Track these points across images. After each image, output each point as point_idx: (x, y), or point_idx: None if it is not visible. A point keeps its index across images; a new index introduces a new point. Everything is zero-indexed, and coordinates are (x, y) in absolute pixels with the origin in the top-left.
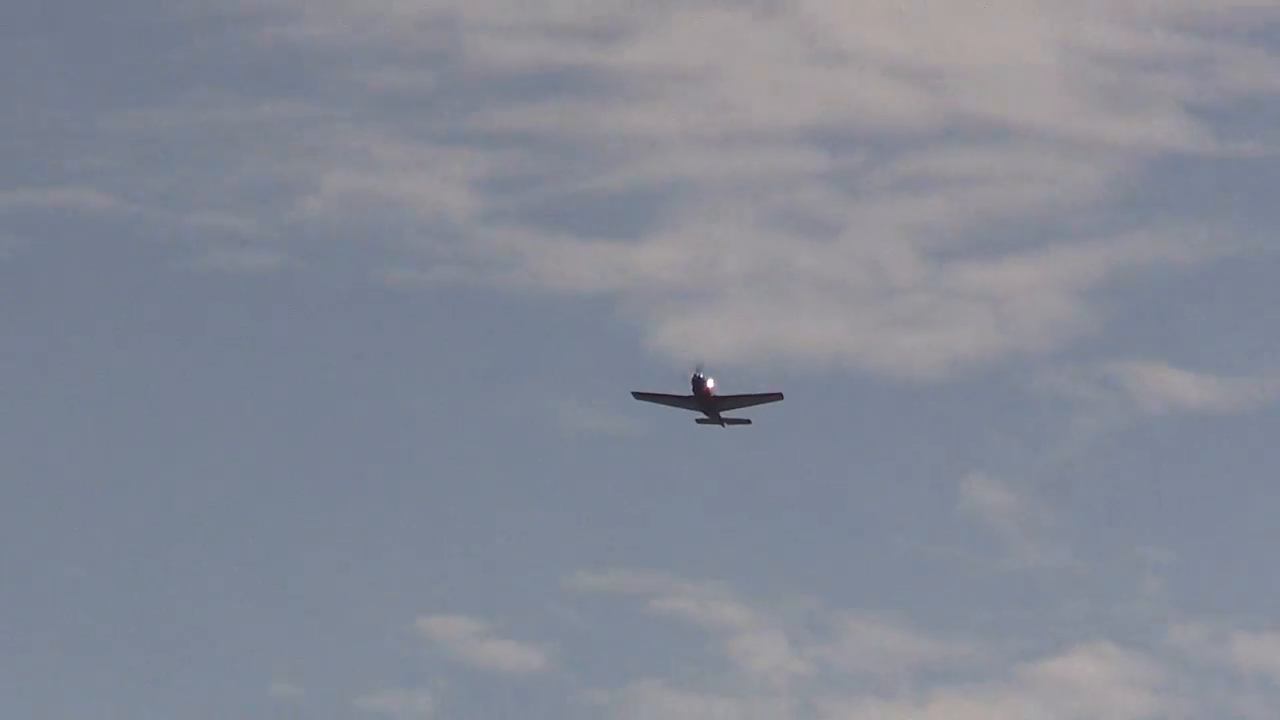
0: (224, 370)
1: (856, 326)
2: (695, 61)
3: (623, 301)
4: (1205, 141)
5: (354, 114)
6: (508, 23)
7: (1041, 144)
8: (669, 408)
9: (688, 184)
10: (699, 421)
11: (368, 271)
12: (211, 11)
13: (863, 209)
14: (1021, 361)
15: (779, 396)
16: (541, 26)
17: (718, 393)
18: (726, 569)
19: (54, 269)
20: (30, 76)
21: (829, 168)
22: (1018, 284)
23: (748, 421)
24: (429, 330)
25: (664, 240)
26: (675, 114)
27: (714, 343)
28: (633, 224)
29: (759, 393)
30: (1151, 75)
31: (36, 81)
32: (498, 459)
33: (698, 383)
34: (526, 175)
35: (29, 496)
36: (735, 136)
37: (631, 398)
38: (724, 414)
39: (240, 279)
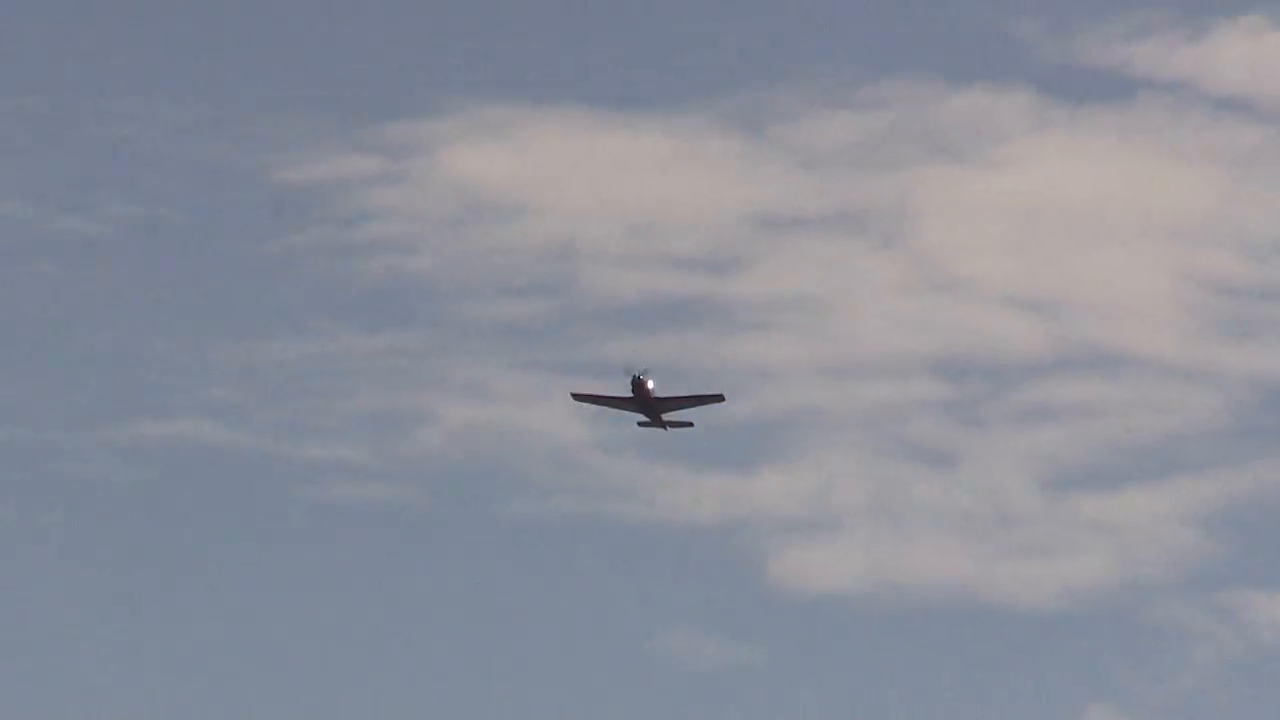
0: (344, 602)
1: (976, 556)
2: (812, 291)
3: (741, 532)
4: None
5: (471, 345)
6: (625, 253)
7: (1159, 373)
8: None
9: (805, 414)
10: (641, 425)
11: (486, 503)
12: (329, 243)
13: (981, 438)
14: (1141, 591)
15: (720, 398)
16: (658, 257)
17: (658, 394)
18: None
19: (172, 501)
20: (148, 309)
21: (947, 397)
22: (1137, 513)
23: (690, 424)
24: (548, 561)
25: (782, 470)
26: (792, 344)
27: (833, 572)
28: (751, 454)
29: (700, 394)
30: (1268, 304)
31: (154, 313)
32: (617, 689)
33: (638, 384)
34: None
35: None
36: (852, 366)
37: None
38: (665, 416)
39: (358, 511)
